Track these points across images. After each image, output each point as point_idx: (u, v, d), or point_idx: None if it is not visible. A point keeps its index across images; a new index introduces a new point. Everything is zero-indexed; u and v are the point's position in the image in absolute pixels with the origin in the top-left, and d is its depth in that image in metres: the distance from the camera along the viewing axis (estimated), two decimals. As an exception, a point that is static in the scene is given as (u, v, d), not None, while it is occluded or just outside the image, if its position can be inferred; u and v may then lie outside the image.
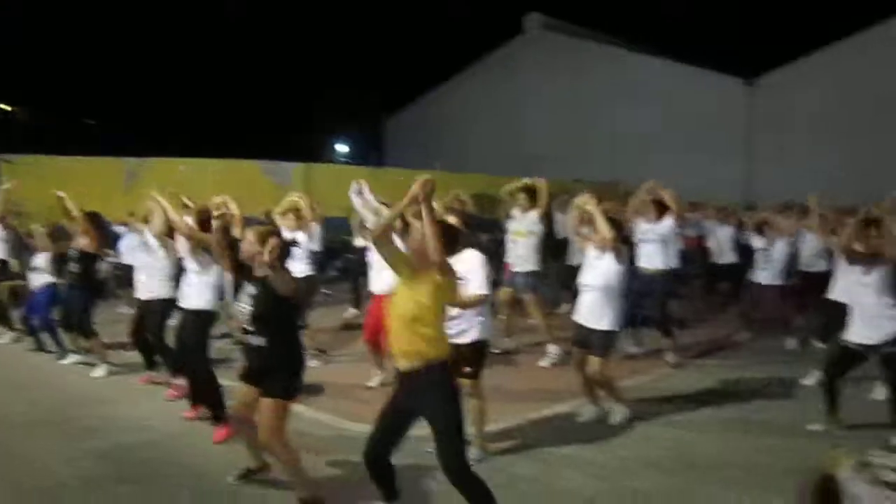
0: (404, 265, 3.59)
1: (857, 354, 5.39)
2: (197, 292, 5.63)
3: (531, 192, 7.95)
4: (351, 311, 10.36)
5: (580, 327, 5.63)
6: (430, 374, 3.51)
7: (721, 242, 10.62)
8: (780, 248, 8.46)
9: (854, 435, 5.25)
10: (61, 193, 7.50)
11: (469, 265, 4.60)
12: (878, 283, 5.24)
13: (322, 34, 34.93)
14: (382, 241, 3.63)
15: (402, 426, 3.68)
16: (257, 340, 4.10)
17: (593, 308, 5.53)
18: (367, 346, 6.77)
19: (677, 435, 5.49)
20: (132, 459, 4.99)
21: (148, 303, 6.63)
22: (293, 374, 4.18)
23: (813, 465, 2.59)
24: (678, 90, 22.89)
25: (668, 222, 7.59)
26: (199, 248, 5.53)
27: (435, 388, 3.51)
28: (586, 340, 5.58)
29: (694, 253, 12.41)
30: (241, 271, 4.34)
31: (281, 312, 4.13)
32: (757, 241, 8.67)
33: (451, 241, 4.00)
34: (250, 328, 4.12)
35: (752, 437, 5.46)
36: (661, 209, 7.64)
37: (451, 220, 4.84)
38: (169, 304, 6.50)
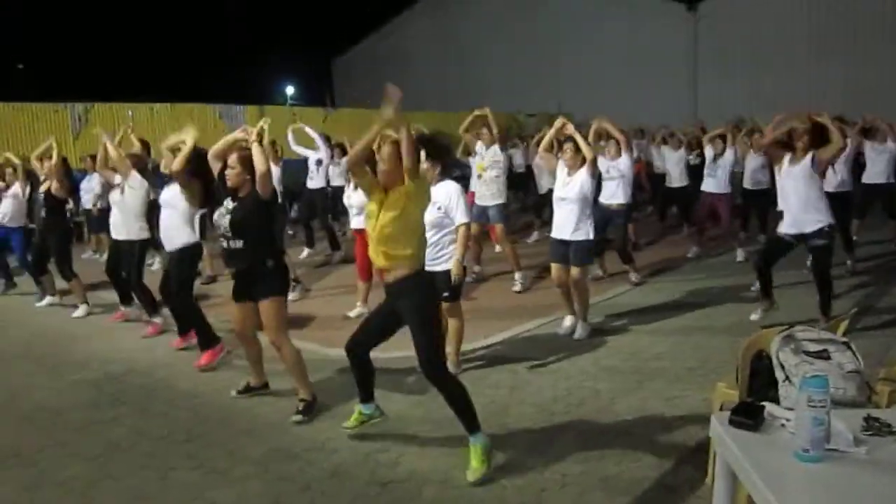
0: (376, 187, 3.84)
1: (787, 243, 5.96)
2: (178, 230, 5.78)
3: (489, 128, 8.17)
4: (305, 251, 10.60)
5: (558, 242, 6.00)
6: (409, 281, 3.77)
7: (672, 168, 11.00)
8: (727, 157, 8.99)
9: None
10: (51, 138, 7.80)
11: (448, 196, 4.93)
12: (803, 174, 5.73)
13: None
14: (356, 170, 3.89)
15: (383, 326, 3.97)
16: (236, 244, 4.39)
17: (570, 220, 5.89)
18: (360, 280, 7.03)
19: (632, 341, 5.97)
20: (124, 386, 5.27)
21: (122, 242, 6.70)
22: (280, 270, 4.53)
23: (748, 340, 3.04)
24: (622, 17, 23.22)
25: (625, 158, 7.99)
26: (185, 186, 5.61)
27: (413, 292, 3.78)
28: (565, 253, 5.97)
29: (642, 181, 12.92)
30: (215, 193, 4.61)
31: (261, 216, 4.45)
32: (708, 151, 9.18)
33: (441, 151, 4.32)
34: (229, 235, 4.40)
35: (699, 338, 5.95)
36: (618, 147, 8.03)
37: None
38: (144, 243, 6.73)
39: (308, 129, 10.78)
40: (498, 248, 9.02)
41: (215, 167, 4.61)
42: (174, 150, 5.68)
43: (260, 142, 4.60)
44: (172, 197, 5.80)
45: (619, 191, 7.99)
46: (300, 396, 4.54)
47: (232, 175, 4.42)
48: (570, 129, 6.06)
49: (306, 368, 4.60)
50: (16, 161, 8.44)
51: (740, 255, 9.14)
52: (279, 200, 7.93)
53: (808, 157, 5.72)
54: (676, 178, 10.59)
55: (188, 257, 5.85)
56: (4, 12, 27.20)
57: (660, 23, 22.82)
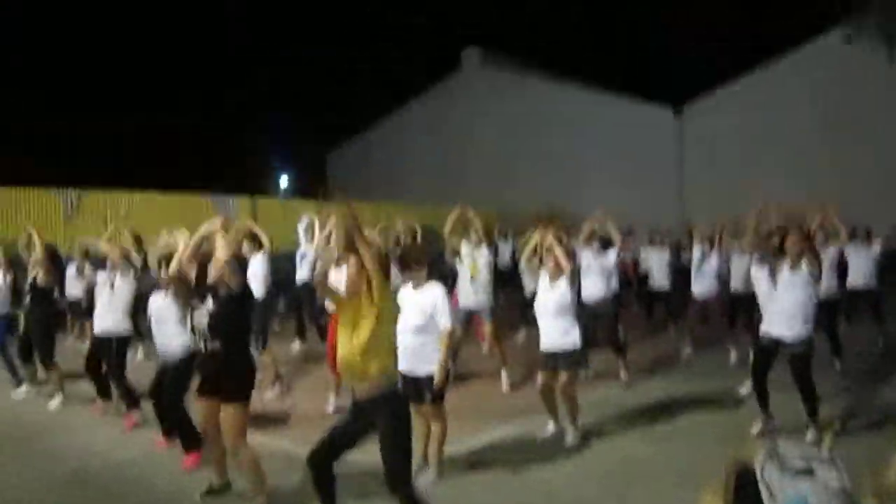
0: (344, 303, 3.87)
1: (771, 348, 5.93)
2: (175, 338, 5.65)
3: (476, 231, 8.25)
4: (297, 343, 10.53)
5: (547, 353, 5.96)
6: (382, 400, 3.75)
7: (657, 268, 11.11)
8: (713, 261, 9.09)
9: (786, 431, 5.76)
10: (31, 229, 7.83)
11: (434, 300, 4.94)
12: (802, 283, 5.76)
13: (264, 69, 35.04)
14: (323, 290, 3.98)
15: (349, 438, 3.88)
16: (213, 345, 4.39)
17: (556, 329, 5.89)
18: (331, 370, 6.97)
19: (620, 445, 5.87)
20: (99, 484, 5.11)
21: (104, 336, 6.64)
22: (248, 376, 4.52)
23: (731, 456, 3.01)
24: (610, 119, 24.08)
25: (611, 255, 8.09)
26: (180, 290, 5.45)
27: (386, 412, 3.75)
28: (554, 362, 5.93)
29: (629, 277, 13.04)
30: (199, 291, 4.61)
31: (236, 320, 4.49)
32: (695, 252, 9.29)
33: (420, 256, 4.37)
34: (207, 335, 4.40)
35: (689, 443, 5.86)
36: (604, 241, 8.16)
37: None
38: (126, 339, 6.71)
39: (301, 223, 10.78)
40: (486, 349, 8.95)
41: (191, 269, 4.65)
42: (167, 258, 5.53)
43: (228, 232, 4.65)
44: (162, 308, 5.70)
45: (600, 285, 8.02)
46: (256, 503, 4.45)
47: (215, 269, 4.47)
48: (550, 239, 6.13)
49: (264, 474, 4.49)
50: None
51: (733, 356, 9.05)
52: (263, 295, 7.97)
53: (805, 264, 5.77)
54: (660, 278, 10.69)
55: (185, 366, 5.65)
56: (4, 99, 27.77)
57: (646, 123, 23.65)
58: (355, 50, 36.56)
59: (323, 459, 3.85)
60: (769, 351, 5.98)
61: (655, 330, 11.62)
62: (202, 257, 4.67)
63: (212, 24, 35.54)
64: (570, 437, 5.98)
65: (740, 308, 9.05)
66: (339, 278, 4.46)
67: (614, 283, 8.20)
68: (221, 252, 4.44)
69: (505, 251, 14.32)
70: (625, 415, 6.79)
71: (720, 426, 6.40)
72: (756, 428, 6.08)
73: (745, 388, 7.16)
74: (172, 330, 5.66)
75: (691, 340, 9.61)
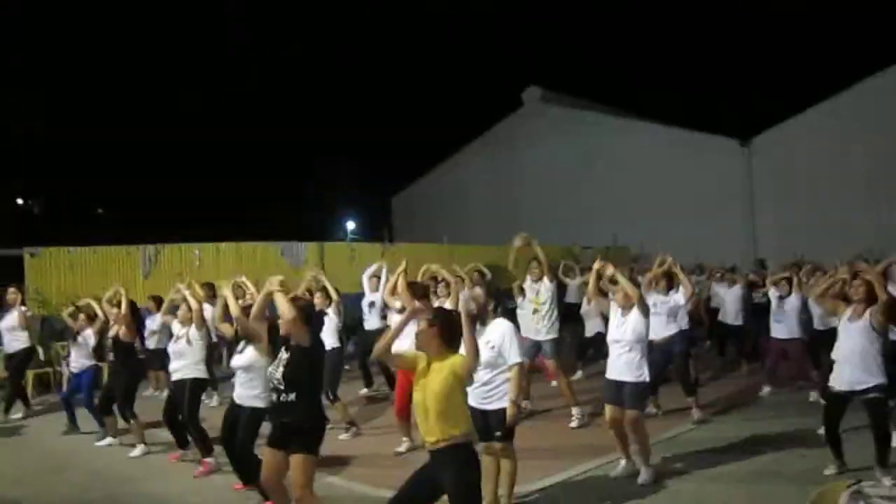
0: (416, 363, 3.94)
1: (842, 398, 5.70)
2: (252, 392, 5.76)
3: (539, 261, 8.27)
4: (364, 391, 10.62)
5: (612, 384, 5.91)
6: (453, 451, 3.78)
7: (729, 304, 10.84)
8: (792, 302, 8.76)
9: (865, 475, 5.44)
10: (120, 288, 8.21)
11: (502, 335, 4.96)
12: (860, 332, 5.57)
13: (327, 115, 36.10)
14: (385, 357, 4.04)
15: (422, 494, 3.91)
16: (287, 397, 4.50)
17: (623, 362, 5.83)
18: (398, 418, 7.05)
19: (694, 488, 5.68)
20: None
21: (178, 383, 6.90)
22: (317, 430, 4.59)
23: (817, 496, 2.89)
24: (675, 154, 23.54)
25: (678, 297, 7.95)
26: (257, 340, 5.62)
27: (456, 464, 3.77)
28: (619, 395, 5.85)
29: (700, 315, 12.73)
30: (274, 344, 4.74)
31: (309, 373, 4.60)
32: (772, 293, 8.97)
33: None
34: (281, 387, 4.52)
35: (767, 486, 5.66)
36: (670, 281, 8.02)
37: (477, 291, 5.24)
38: (199, 385, 6.91)
39: (366, 272, 10.91)
40: (554, 384, 8.87)
41: (262, 329, 4.76)
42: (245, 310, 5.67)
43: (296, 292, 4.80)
44: (249, 360, 5.77)
45: (666, 327, 7.88)
46: None
47: (283, 324, 4.58)
48: (610, 270, 6.09)
49: None
50: (95, 306, 8.71)
51: (813, 395, 8.59)
52: (333, 345, 8.09)
53: (867, 314, 5.60)
54: (732, 315, 10.41)
55: (260, 418, 5.75)
56: (87, 165, 29.36)
57: (713, 157, 23.05)
58: (417, 93, 37.28)
59: None
60: (841, 399, 5.76)
61: (729, 368, 11.24)
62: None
63: (276, 71, 36.79)
64: (644, 476, 5.84)
65: (821, 346, 8.65)
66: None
67: (684, 322, 8.02)
68: (286, 311, 4.54)
69: (572, 288, 14.16)
70: (699, 454, 6.61)
71: (796, 466, 6.15)
72: (829, 470, 5.80)
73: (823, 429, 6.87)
74: (255, 384, 5.74)
75: (770, 380, 9.24)
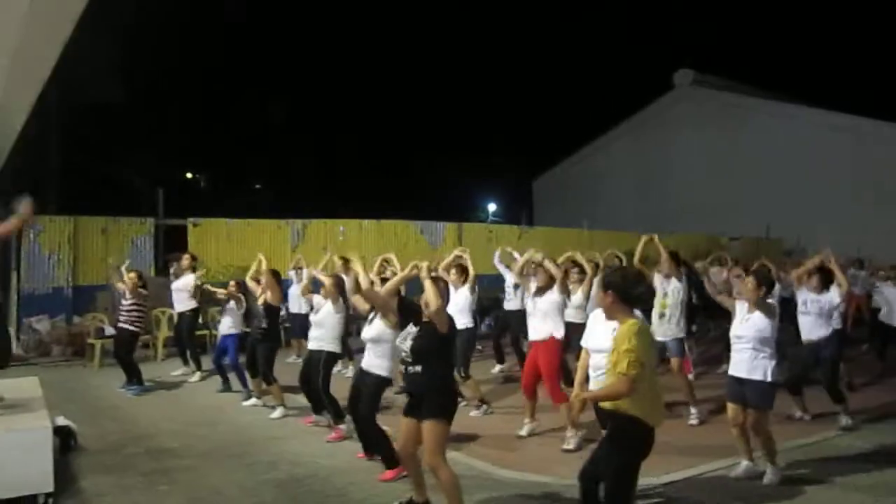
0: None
1: None
2: (379, 361, 5.95)
3: (674, 257, 7.99)
4: (497, 367, 10.73)
5: (734, 380, 5.70)
6: (621, 420, 3.91)
7: (890, 302, 10.06)
8: None
9: None
10: (262, 256, 8.84)
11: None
12: None
13: (473, 94, 36.37)
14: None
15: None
16: (414, 368, 4.68)
17: (745, 359, 5.60)
18: (524, 392, 7.09)
19: (837, 497, 5.34)
20: (304, 489, 5.57)
21: (314, 352, 7.26)
22: (447, 397, 4.73)
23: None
24: (836, 141, 21.88)
25: (832, 296, 7.42)
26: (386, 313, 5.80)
27: (612, 434, 3.99)
28: (741, 394, 5.63)
29: (862, 313, 11.85)
30: (404, 317, 4.96)
31: (438, 347, 4.74)
32: None
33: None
34: (409, 360, 4.71)
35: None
36: (825, 278, 7.50)
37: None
38: (332, 359, 7.25)
39: (514, 253, 10.99)
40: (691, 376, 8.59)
41: (392, 302, 5.11)
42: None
43: (434, 277, 4.94)
44: (377, 332, 5.95)
45: (818, 327, 7.38)
46: None
47: (427, 312, 4.75)
48: (738, 270, 5.82)
49: (462, 493, 4.60)
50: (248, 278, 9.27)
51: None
52: (467, 324, 8.23)
53: None
54: (894, 315, 9.62)
55: (381, 387, 6.00)
56: (247, 143, 31.29)
57: (877, 145, 21.21)
58: (563, 74, 36.81)
59: (585, 476, 4.08)
60: None
61: (889, 373, 10.36)
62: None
63: (423, 58, 37.44)
64: (770, 476, 5.58)
65: None
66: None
67: (836, 322, 7.47)
68: (433, 301, 4.68)
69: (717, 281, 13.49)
70: (843, 461, 6.19)
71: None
72: None
73: None
74: (380, 353, 5.94)
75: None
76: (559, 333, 6.87)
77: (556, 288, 6.96)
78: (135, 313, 9.42)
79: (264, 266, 8.60)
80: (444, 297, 5.12)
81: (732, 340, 5.78)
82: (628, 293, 4.05)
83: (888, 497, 5.33)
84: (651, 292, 7.52)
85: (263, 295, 8.29)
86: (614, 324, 4.89)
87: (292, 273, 11.65)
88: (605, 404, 4.00)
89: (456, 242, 15.97)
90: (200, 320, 11.64)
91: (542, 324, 6.88)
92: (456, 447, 6.34)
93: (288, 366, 10.10)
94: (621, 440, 3.92)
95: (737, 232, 21.25)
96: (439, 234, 17.05)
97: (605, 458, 3.95)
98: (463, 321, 7.97)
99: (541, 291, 7.01)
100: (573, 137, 30.67)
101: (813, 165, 22.16)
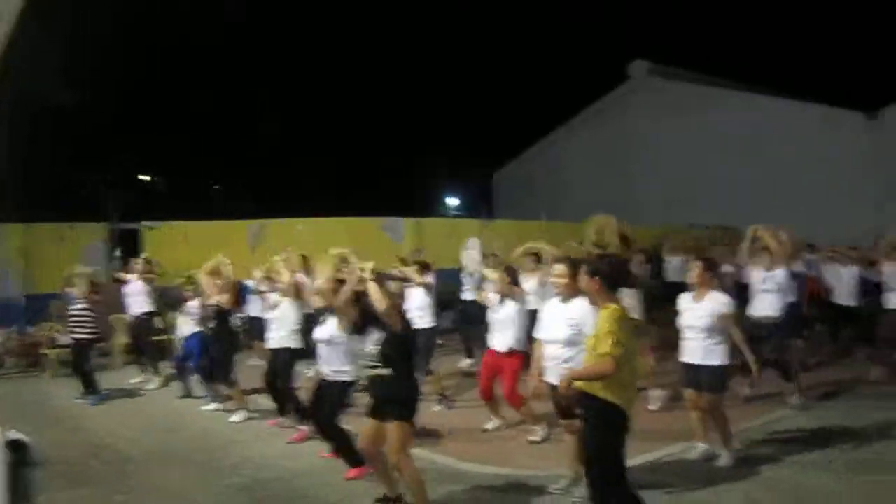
0: None
1: None
2: (340, 366, 5.83)
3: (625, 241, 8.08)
4: (466, 361, 10.74)
5: (689, 367, 5.79)
6: (593, 402, 4.09)
7: (844, 284, 10.27)
8: None
9: None
10: (226, 259, 8.62)
11: (582, 314, 4.96)
12: None
13: (429, 88, 36.29)
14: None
15: None
16: (383, 371, 4.75)
17: (699, 346, 5.69)
18: (483, 398, 7.06)
19: (791, 475, 5.45)
20: (269, 493, 5.52)
21: (276, 351, 7.24)
22: (411, 400, 4.81)
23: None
24: (792, 129, 22.26)
25: (781, 270, 7.57)
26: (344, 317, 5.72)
27: (588, 418, 4.19)
28: (696, 379, 5.71)
29: (815, 295, 12.05)
30: (366, 321, 4.97)
31: (401, 349, 4.82)
32: (887, 267, 8.56)
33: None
34: (377, 363, 4.77)
35: (870, 476, 5.34)
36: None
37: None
38: (295, 354, 7.16)
39: (472, 246, 11.03)
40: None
41: (352, 311, 5.31)
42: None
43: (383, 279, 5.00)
44: (328, 333, 5.83)
45: (773, 304, 7.52)
46: None
47: (378, 312, 4.84)
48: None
49: (425, 488, 4.69)
50: (199, 278, 9.13)
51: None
52: (428, 324, 8.23)
53: None
54: (845, 295, 9.84)
55: (345, 391, 5.91)
56: (204, 143, 30.83)
57: (834, 132, 21.63)
58: (519, 67, 36.92)
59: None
60: None
61: (841, 352, 10.58)
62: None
63: (380, 51, 37.21)
64: (724, 459, 5.69)
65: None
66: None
67: (783, 302, 7.62)
68: (379, 302, 4.78)
69: (676, 268, 13.64)
70: (798, 440, 6.33)
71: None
72: None
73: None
74: (336, 356, 5.84)
75: (886, 362, 8.69)
76: (522, 346, 6.64)
77: (515, 297, 6.83)
78: (86, 319, 9.20)
79: (230, 271, 8.44)
80: (400, 296, 5.17)
81: (683, 329, 5.86)
82: (614, 280, 4.25)
83: (841, 474, 5.45)
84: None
85: (220, 297, 8.15)
86: (570, 313, 4.96)
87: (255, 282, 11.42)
88: (583, 385, 4.10)
89: (418, 238, 15.93)
90: (161, 325, 11.47)
91: (502, 335, 6.76)
92: (419, 443, 6.33)
93: (250, 368, 9.98)
94: (597, 422, 4.08)
95: (697, 221, 21.56)
96: (401, 230, 16.97)
97: (587, 443, 4.16)
98: (423, 320, 7.99)
99: (501, 300, 6.86)
100: (532, 129, 30.75)
101: (770, 153, 22.51)
